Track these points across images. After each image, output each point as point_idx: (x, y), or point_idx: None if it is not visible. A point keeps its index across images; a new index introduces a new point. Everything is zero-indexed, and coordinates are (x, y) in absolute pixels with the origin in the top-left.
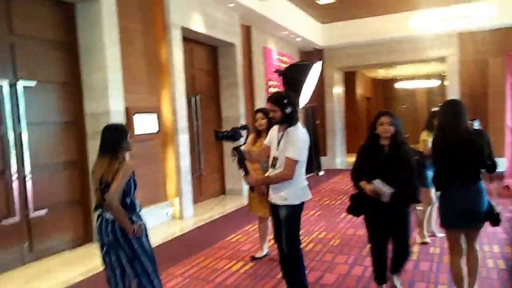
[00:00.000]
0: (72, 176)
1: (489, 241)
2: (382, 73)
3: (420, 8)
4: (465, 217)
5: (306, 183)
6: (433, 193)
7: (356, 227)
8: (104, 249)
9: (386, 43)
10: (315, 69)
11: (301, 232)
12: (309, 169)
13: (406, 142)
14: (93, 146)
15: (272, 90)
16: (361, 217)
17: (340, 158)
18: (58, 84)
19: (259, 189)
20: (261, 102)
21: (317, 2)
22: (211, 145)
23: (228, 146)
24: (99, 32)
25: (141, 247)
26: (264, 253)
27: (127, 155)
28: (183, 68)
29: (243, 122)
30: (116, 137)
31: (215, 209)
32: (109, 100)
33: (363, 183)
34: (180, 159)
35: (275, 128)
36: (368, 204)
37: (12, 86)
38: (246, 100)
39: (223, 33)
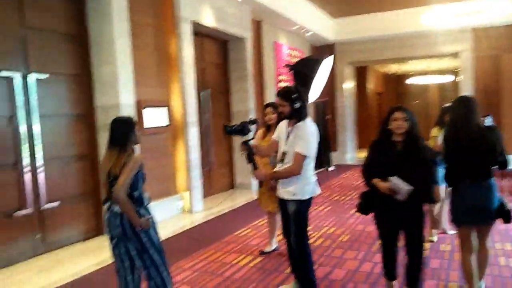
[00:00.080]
0: (84, 169)
1: (501, 239)
2: (394, 68)
3: (434, 3)
4: (476, 214)
5: (315, 178)
6: (443, 190)
7: (365, 223)
8: (113, 241)
9: (398, 38)
10: (327, 64)
11: (310, 227)
12: (319, 165)
13: (422, 137)
14: (104, 139)
15: (282, 84)
16: (371, 214)
17: (350, 153)
18: (69, 77)
19: (267, 184)
20: (271, 96)
21: None
22: (220, 139)
23: (237, 140)
24: (109, 24)
25: (150, 240)
26: (273, 247)
27: (136, 148)
28: (193, 62)
29: (252, 116)
30: (124, 130)
31: (225, 203)
32: (119, 93)
33: (376, 181)
34: (190, 153)
35: (283, 122)
36: (381, 202)
37: (24, 78)
38: (256, 94)
39: (233, 27)
